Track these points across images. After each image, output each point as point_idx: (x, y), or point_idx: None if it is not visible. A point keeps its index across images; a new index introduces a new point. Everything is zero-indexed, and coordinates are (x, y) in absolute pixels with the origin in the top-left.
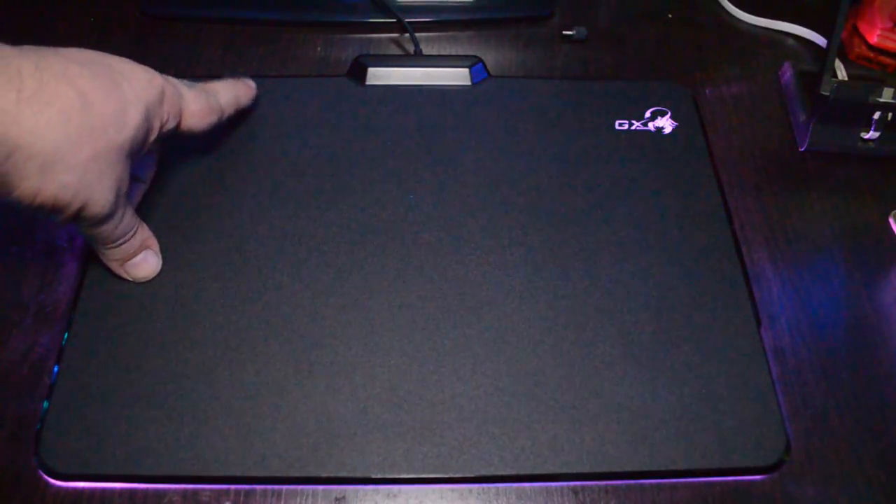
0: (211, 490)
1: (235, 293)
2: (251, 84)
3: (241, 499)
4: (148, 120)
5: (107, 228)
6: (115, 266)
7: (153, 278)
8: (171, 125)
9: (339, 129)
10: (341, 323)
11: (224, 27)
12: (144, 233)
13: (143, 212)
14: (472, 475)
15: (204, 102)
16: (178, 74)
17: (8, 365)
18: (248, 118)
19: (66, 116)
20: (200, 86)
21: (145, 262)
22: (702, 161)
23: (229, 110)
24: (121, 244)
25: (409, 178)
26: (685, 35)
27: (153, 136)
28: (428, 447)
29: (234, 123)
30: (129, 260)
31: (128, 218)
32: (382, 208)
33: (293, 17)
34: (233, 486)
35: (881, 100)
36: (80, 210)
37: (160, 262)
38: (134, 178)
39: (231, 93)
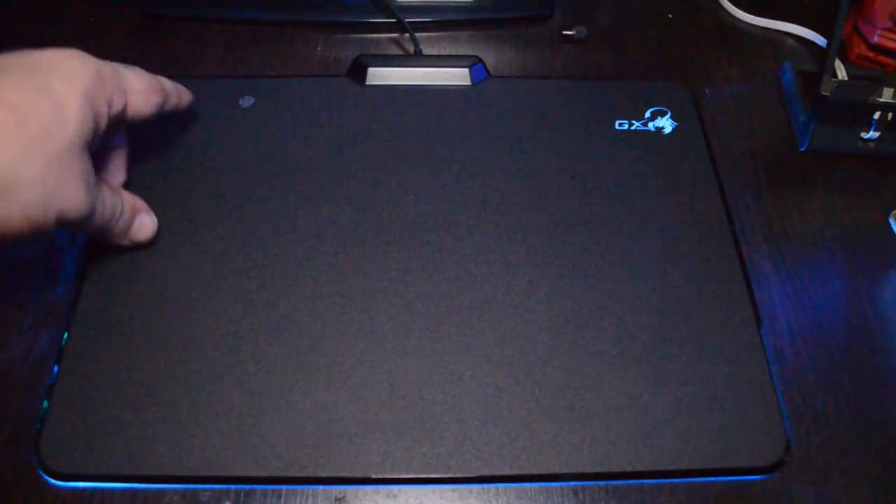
0: (211, 490)
1: (235, 293)
2: (190, 94)
3: (241, 499)
4: (91, 106)
5: (95, 221)
6: (117, 242)
7: (153, 278)
8: (117, 106)
9: (339, 129)
10: (341, 323)
11: (224, 27)
12: (129, 200)
13: None
14: (472, 475)
15: (146, 81)
16: (179, 74)
17: (8, 365)
18: (248, 118)
19: (5, 136)
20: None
21: (143, 227)
22: (702, 161)
23: (173, 98)
24: (114, 225)
25: (409, 178)
26: (685, 35)
27: (103, 122)
28: (428, 447)
29: (234, 123)
30: (128, 232)
31: (108, 200)
32: (382, 208)
33: (293, 17)
34: (233, 486)
35: (881, 100)
36: (59, 219)
37: (155, 219)
38: (110, 147)
39: (173, 84)
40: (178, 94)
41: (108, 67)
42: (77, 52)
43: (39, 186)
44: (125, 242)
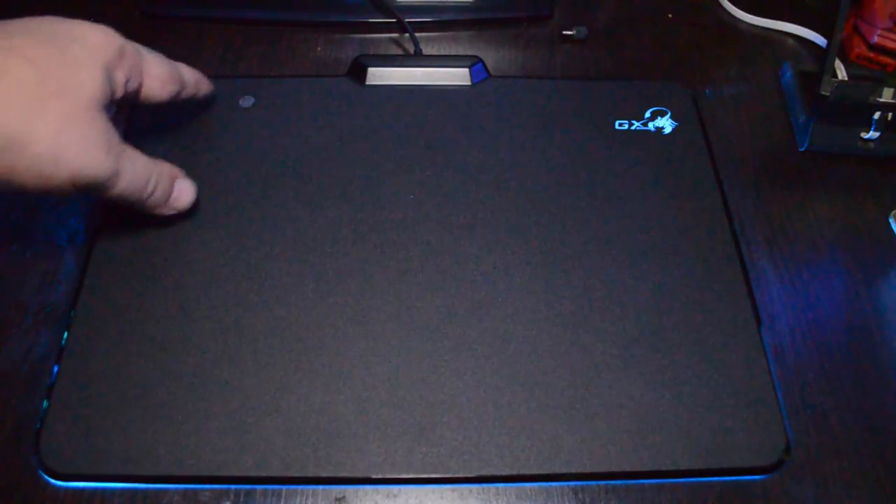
0: (211, 490)
1: (235, 293)
2: (211, 84)
3: (241, 499)
4: (109, 77)
5: (124, 188)
6: (161, 212)
7: (153, 278)
8: (133, 84)
9: (339, 129)
10: (341, 322)
11: (224, 27)
12: (165, 167)
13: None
14: (472, 475)
15: (166, 67)
16: None
17: (8, 365)
18: (248, 118)
19: (21, 87)
20: (163, 57)
21: (182, 193)
22: (702, 161)
23: (190, 88)
24: (153, 192)
25: (408, 178)
26: (685, 35)
27: (120, 92)
28: (428, 447)
29: (234, 123)
30: (167, 201)
31: (141, 165)
32: (382, 208)
33: (293, 17)
34: (233, 486)
35: (881, 100)
36: (74, 178)
37: (193, 183)
38: None
39: (193, 75)
40: (196, 84)
41: (131, 46)
42: (105, 27)
43: (52, 140)
44: (166, 211)
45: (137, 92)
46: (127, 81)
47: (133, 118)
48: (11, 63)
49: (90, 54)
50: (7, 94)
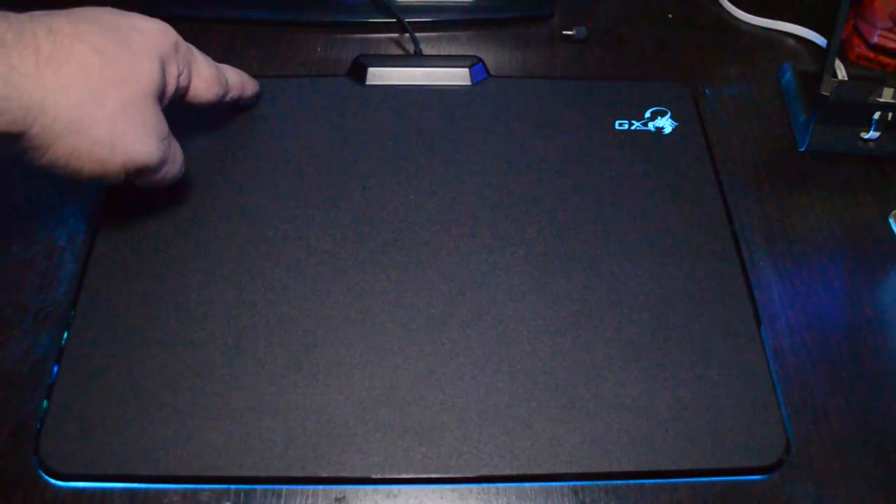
0: (211, 490)
1: (235, 293)
2: (257, 83)
3: (241, 499)
4: (164, 69)
5: (165, 174)
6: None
7: (153, 278)
8: (184, 80)
9: (339, 129)
10: (341, 323)
11: (224, 27)
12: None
13: (144, 211)
14: (472, 475)
15: (214, 70)
16: None
17: (8, 365)
18: (248, 118)
19: (85, 72)
20: (210, 60)
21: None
22: (702, 161)
23: (234, 92)
24: (179, 175)
25: (409, 178)
26: (685, 35)
27: (172, 86)
28: (428, 447)
29: (234, 123)
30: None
31: (181, 155)
32: (382, 208)
33: (293, 17)
34: (233, 486)
35: (881, 100)
36: (126, 164)
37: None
38: None
39: (238, 78)
40: (241, 87)
41: (184, 44)
42: (163, 22)
43: (110, 125)
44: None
45: (185, 91)
46: (179, 76)
47: None
48: (78, 48)
49: (149, 45)
50: (73, 78)
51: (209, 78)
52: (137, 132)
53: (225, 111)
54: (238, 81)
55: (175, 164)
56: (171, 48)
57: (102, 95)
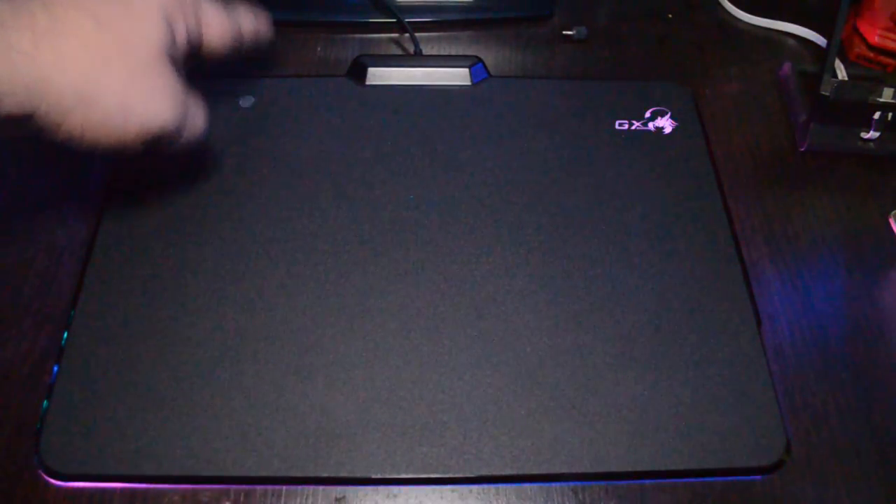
0: (211, 490)
1: (235, 293)
2: (269, 24)
3: (241, 499)
4: (169, 26)
5: (190, 135)
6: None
7: (153, 278)
8: (195, 35)
9: (339, 129)
10: (341, 323)
11: None
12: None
13: (144, 211)
14: (472, 475)
15: (224, 17)
16: None
17: (8, 365)
18: (248, 118)
19: (85, 42)
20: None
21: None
22: (702, 161)
23: (249, 37)
24: (200, 134)
25: (408, 179)
26: (685, 35)
27: (182, 43)
28: (428, 447)
29: (234, 123)
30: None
31: (202, 113)
32: (382, 208)
33: (293, 17)
34: (233, 486)
35: (881, 100)
36: (144, 129)
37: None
38: None
39: (252, 22)
40: (256, 33)
41: None
42: None
43: (121, 94)
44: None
45: (198, 45)
46: (188, 28)
47: None
48: (74, 17)
49: (149, 5)
50: (72, 51)
51: (219, 25)
52: (150, 97)
53: (225, 111)
54: (252, 28)
55: (197, 125)
56: (176, 3)
57: (107, 64)
